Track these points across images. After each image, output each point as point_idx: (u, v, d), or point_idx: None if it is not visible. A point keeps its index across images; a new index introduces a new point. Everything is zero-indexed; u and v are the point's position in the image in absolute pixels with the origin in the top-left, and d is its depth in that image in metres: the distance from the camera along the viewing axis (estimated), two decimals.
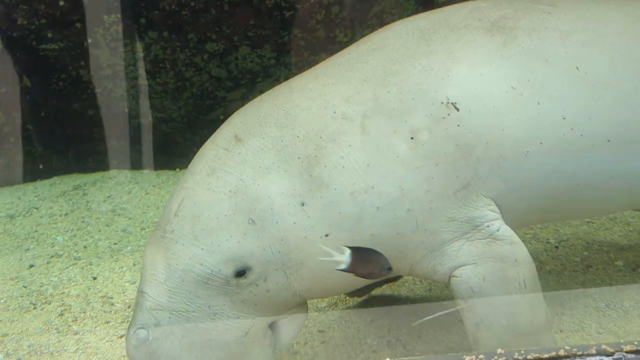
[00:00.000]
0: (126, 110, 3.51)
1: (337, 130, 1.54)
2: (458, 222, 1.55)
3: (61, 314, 2.16)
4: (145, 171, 3.46)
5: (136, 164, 3.51)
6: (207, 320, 1.50)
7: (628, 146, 1.64)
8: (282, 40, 3.41)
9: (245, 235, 1.48)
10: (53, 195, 3.21)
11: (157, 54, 3.39)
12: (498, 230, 1.56)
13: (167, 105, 3.53)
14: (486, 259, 1.55)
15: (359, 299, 2.16)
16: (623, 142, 1.63)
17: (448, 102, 1.55)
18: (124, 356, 1.91)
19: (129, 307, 2.21)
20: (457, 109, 1.55)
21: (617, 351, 1.10)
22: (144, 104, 3.51)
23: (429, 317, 1.75)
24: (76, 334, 2.05)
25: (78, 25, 3.35)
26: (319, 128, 1.54)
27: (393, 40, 1.68)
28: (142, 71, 3.42)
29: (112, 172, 3.41)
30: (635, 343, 1.10)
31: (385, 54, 1.64)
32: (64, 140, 3.62)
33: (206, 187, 1.52)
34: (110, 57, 3.40)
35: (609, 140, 1.62)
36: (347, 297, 2.17)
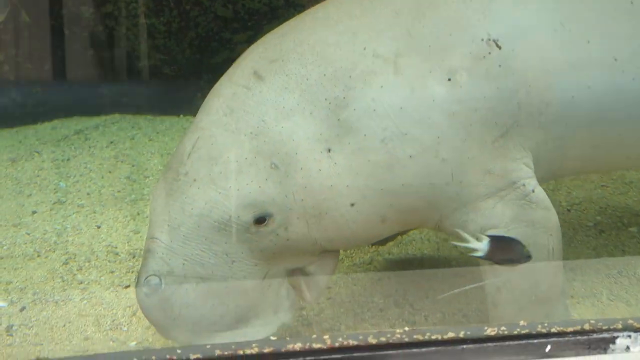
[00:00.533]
0: (128, 50, 3.39)
1: (367, 69, 1.42)
2: (494, 176, 1.46)
3: (65, 263, 2.15)
4: (149, 116, 3.38)
5: (139, 109, 3.43)
6: (223, 267, 1.42)
7: None
8: None
9: (266, 180, 1.39)
10: (55, 139, 3.15)
11: None
12: (533, 191, 1.48)
13: (171, 46, 3.40)
14: (519, 223, 1.48)
15: (374, 248, 2.13)
16: None
17: (489, 40, 1.44)
18: (129, 306, 1.90)
19: (133, 257, 2.19)
20: (499, 47, 1.43)
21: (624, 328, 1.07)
22: (147, 45, 3.38)
23: (456, 291, 1.71)
24: (81, 283, 2.05)
25: None
26: (348, 66, 1.43)
27: None
28: (144, 9, 3.28)
29: (115, 117, 3.33)
30: None
31: None
32: (64, 81, 3.52)
33: (224, 127, 1.41)
34: None
35: None
36: (354, 255, 2.16)
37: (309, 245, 1.48)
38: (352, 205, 1.42)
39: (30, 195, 2.63)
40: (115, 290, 2.00)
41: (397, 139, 1.40)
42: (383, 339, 1.13)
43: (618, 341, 1.07)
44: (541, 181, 1.54)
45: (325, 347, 1.08)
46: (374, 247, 2.12)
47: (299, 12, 3.32)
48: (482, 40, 1.43)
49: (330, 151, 1.40)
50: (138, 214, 2.48)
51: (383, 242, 2.06)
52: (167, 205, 1.42)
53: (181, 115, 3.42)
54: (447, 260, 2.14)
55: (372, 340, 1.12)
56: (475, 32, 1.44)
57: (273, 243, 1.43)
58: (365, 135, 1.40)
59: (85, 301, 1.94)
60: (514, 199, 1.48)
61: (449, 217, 1.50)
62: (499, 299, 1.52)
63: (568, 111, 1.49)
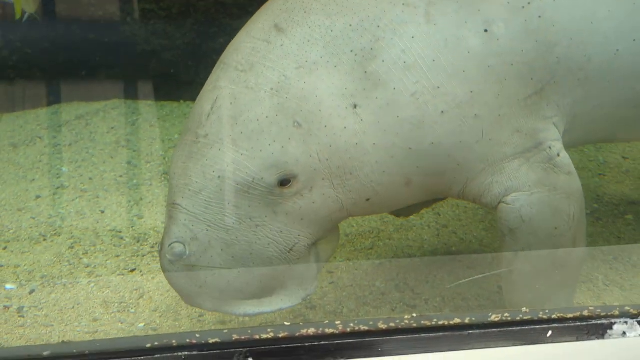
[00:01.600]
0: (128, 35, 3.37)
1: (397, 18, 1.34)
2: (522, 135, 1.40)
3: (71, 247, 2.18)
4: (149, 102, 3.38)
5: (140, 94, 3.42)
6: (248, 233, 1.36)
7: None
8: None
9: (289, 140, 1.32)
10: (55, 124, 3.14)
11: None
12: (559, 155, 1.44)
13: (171, 32, 3.39)
14: (542, 187, 1.42)
15: (375, 234, 2.17)
16: None
17: None
18: (135, 289, 1.94)
19: (138, 241, 2.22)
20: None
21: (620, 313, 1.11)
22: (147, 30, 3.36)
23: (463, 281, 1.72)
24: (87, 266, 2.07)
25: None
26: (376, 15, 1.35)
27: None
28: None
29: (115, 102, 3.32)
30: None
31: None
32: (65, 66, 3.50)
33: (244, 84, 1.34)
34: None
35: None
36: (355, 240, 2.20)
37: (336, 210, 1.41)
38: (378, 164, 1.36)
39: (34, 180, 2.64)
40: (121, 273, 2.04)
41: (429, 93, 1.33)
42: (392, 325, 1.17)
43: (615, 327, 1.10)
44: (569, 146, 1.50)
45: (337, 331, 1.12)
46: (397, 217, 2.04)
47: None
48: None
49: (356, 107, 1.33)
50: (141, 199, 2.50)
51: (407, 213, 2.01)
52: (187, 169, 1.35)
53: (181, 101, 3.43)
54: (447, 246, 2.18)
55: (382, 326, 1.16)
56: None
57: (298, 206, 1.37)
58: (394, 89, 1.33)
59: (92, 284, 1.97)
60: (539, 162, 1.43)
61: (475, 179, 1.44)
62: (515, 265, 1.49)
63: (611, 66, 1.42)
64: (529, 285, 1.53)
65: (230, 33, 3.47)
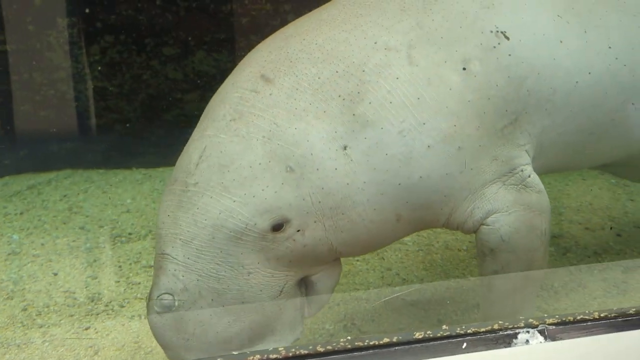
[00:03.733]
0: (80, 111, 3.52)
1: (381, 62, 1.40)
2: (500, 162, 1.48)
3: (24, 309, 2.20)
4: (102, 170, 3.49)
5: (92, 164, 3.54)
6: (240, 280, 1.34)
7: None
8: (239, 45, 3.54)
9: (282, 185, 1.34)
10: (6, 194, 3.17)
11: (112, 57, 3.44)
12: (529, 176, 1.53)
13: (123, 106, 3.57)
14: (517, 207, 1.51)
15: None
16: None
17: (497, 31, 1.47)
18: (90, 346, 1.98)
19: (92, 300, 2.27)
20: (508, 38, 1.47)
21: (541, 323, 1.22)
22: (99, 106, 3.54)
23: (384, 299, 1.81)
24: (41, 327, 2.09)
25: (31, 27, 3.35)
26: (360, 61, 1.40)
27: None
28: (97, 74, 3.45)
29: (67, 172, 3.40)
30: (557, 316, 1.25)
31: None
32: (17, 139, 3.58)
33: (234, 133, 1.36)
34: (64, 59, 3.41)
35: None
36: None
37: (326, 251, 1.43)
38: (369, 202, 1.39)
39: None
40: (75, 332, 2.07)
41: (416, 129, 1.39)
42: (330, 347, 1.30)
43: (519, 336, 1.21)
44: (538, 173, 1.59)
45: (281, 356, 1.19)
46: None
47: None
48: (491, 32, 1.47)
49: (346, 148, 1.36)
50: (94, 260, 2.56)
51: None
52: (176, 219, 1.34)
53: (134, 168, 3.57)
54: (391, 286, 2.30)
55: (320, 349, 1.26)
56: (484, 25, 1.47)
57: (289, 250, 1.38)
58: (382, 128, 1.37)
59: (47, 343, 1.99)
60: (513, 184, 1.51)
61: (459, 208, 1.49)
62: (494, 283, 1.56)
63: (572, 96, 1.54)
64: (506, 300, 1.62)
65: (181, 107, 3.70)
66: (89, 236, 2.79)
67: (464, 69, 1.44)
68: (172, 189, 1.39)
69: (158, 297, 1.34)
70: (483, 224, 1.52)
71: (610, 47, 1.58)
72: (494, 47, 1.47)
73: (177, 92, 3.61)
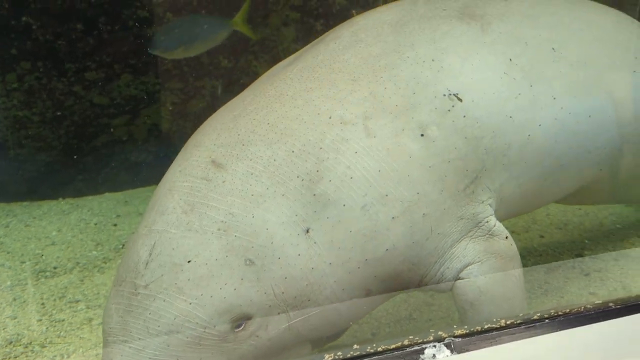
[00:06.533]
0: (1, 140, 3.38)
1: (338, 137, 1.36)
2: (465, 220, 1.48)
3: None
4: (25, 203, 3.34)
5: (14, 196, 3.38)
6: None
7: (602, 121, 1.72)
8: (166, 67, 3.49)
9: (242, 280, 1.24)
10: None
11: (31, 85, 3.32)
12: (494, 225, 1.54)
13: (46, 134, 3.45)
14: (488, 256, 1.50)
15: None
16: (599, 117, 1.71)
17: (450, 94, 1.48)
18: None
19: (10, 343, 2.16)
20: (460, 100, 1.48)
21: (449, 336, 1.24)
22: (20, 135, 3.40)
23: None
24: None
25: None
26: (316, 138, 1.35)
27: (364, 36, 1.55)
28: (16, 102, 3.32)
29: None
30: (465, 327, 1.28)
31: (363, 50, 1.51)
32: None
33: (186, 227, 1.25)
34: None
35: (590, 116, 1.68)
36: None
37: (292, 339, 1.34)
38: (337, 283, 1.33)
39: None
40: None
41: (379, 202, 1.35)
42: None
43: (426, 351, 1.21)
44: (501, 220, 1.60)
45: None
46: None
47: (176, 95, 3.57)
48: (444, 95, 1.47)
49: (308, 231, 1.30)
50: (14, 299, 2.43)
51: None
52: (126, 325, 1.22)
53: (60, 199, 3.44)
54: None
55: None
56: (436, 89, 1.47)
57: (253, 347, 1.28)
58: (344, 205, 1.32)
59: None
60: (480, 235, 1.51)
61: (429, 273, 1.48)
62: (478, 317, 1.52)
63: (526, 149, 1.58)
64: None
65: (108, 132, 3.61)
66: (10, 273, 2.65)
67: (422, 135, 1.42)
68: (120, 290, 1.27)
69: None
70: (459, 278, 1.50)
71: (554, 98, 1.63)
72: (449, 110, 1.47)
73: (103, 118, 3.51)
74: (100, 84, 3.42)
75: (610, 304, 1.33)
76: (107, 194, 3.49)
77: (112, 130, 3.52)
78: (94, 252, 2.78)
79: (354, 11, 3.41)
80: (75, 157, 3.51)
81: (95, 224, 3.08)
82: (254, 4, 3.44)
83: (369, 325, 2.10)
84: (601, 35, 1.86)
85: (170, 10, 3.33)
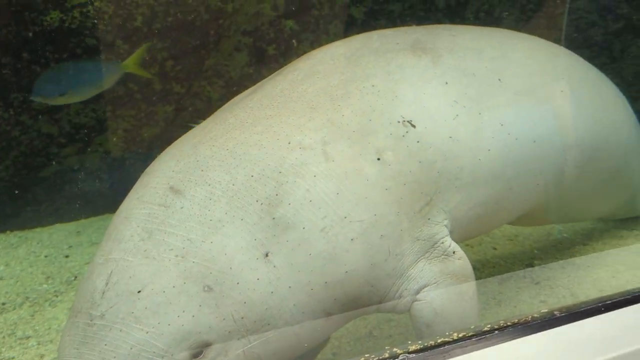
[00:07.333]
0: None
1: (297, 161, 1.39)
2: (422, 241, 1.53)
3: None
4: None
5: None
6: None
7: (546, 145, 1.82)
8: (117, 94, 3.45)
9: (200, 307, 1.23)
10: None
11: None
12: (450, 246, 1.59)
13: None
14: (444, 277, 1.55)
15: None
16: (543, 141, 1.80)
17: (404, 121, 1.55)
18: None
19: None
20: (414, 126, 1.55)
21: (403, 352, 1.23)
22: None
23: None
24: None
25: None
26: (276, 162, 1.37)
27: (322, 68, 1.62)
28: None
29: None
30: (419, 342, 1.28)
31: (321, 80, 1.57)
32: None
33: (143, 255, 1.25)
34: None
35: (534, 141, 1.77)
36: None
37: None
38: (296, 306, 1.34)
39: None
40: None
41: (338, 224, 1.37)
42: None
43: None
44: (458, 241, 1.66)
45: None
46: None
47: (128, 122, 3.53)
48: (398, 122, 1.54)
49: (267, 255, 1.30)
50: None
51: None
52: (81, 357, 1.19)
53: (8, 232, 3.30)
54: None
55: None
56: (391, 116, 1.54)
57: None
58: (304, 228, 1.34)
59: None
60: (436, 256, 1.56)
61: (388, 294, 1.51)
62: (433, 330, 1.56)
63: (477, 172, 1.64)
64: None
65: (59, 162, 3.52)
66: None
67: (379, 159, 1.47)
68: (75, 322, 1.24)
69: None
70: (416, 300, 1.54)
71: (502, 125, 1.72)
72: (403, 135, 1.53)
73: (53, 147, 3.43)
74: (48, 113, 3.35)
75: (556, 312, 1.38)
76: (57, 225, 3.39)
77: (62, 159, 3.44)
78: (45, 286, 2.69)
79: (294, 41, 3.48)
80: (23, 188, 3.40)
81: (46, 256, 2.98)
82: (206, 30, 3.46)
83: (330, 345, 2.11)
84: (539, 64, 1.99)
85: (120, 38, 3.31)
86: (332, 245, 1.37)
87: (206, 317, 1.24)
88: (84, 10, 3.24)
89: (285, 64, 1.83)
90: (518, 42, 2.05)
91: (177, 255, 1.26)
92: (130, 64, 3.02)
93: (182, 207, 1.31)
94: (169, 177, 1.37)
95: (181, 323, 1.22)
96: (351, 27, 3.65)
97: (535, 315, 1.37)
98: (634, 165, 2.47)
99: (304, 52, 1.98)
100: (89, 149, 3.48)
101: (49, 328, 2.35)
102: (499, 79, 1.78)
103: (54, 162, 3.43)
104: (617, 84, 2.47)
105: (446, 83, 1.68)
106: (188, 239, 1.27)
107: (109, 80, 2.98)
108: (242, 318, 1.27)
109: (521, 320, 1.35)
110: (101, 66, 3.02)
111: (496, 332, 1.30)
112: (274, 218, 1.33)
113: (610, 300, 1.41)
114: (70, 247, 3.09)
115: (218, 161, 1.37)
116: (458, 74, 1.72)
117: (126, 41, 3.33)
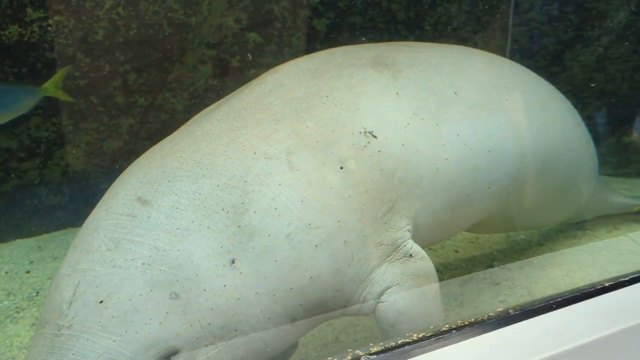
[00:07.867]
0: None
1: (262, 170, 1.43)
2: (384, 246, 1.58)
3: None
4: None
5: None
6: None
7: (500, 155, 1.90)
8: (78, 107, 3.41)
9: (167, 314, 1.25)
10: None
11: None
12: (412, 247, 1.64)
13: None
14: (406, 278, 1.60)
15: None
16: (497, 151, 1.88)
17: (365, 132, 1.61)
18: None
19: None
20: (375, 137, 1.61)
21: (365, 354, 1.24)
22: None
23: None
24: None
25: None
26: (241, 172, 1.42)
27: (287, 82, 1.68)
28: None
29: None
30: (381, 344, 1.29)
31: (286, 93, 1.63)
32: None
33: (110, 264, 1.26)
34: None
35: (489, 151, 1.85)
36: None
37: None
38: (263, 312, 1.36)
39: None
40: None
41: (302, 231, 1.41)
42: None
43: None
44: (422, 247, 1.69)
45: None
46: None
47: (91, 135, 3.48)
48: (360, 132, 1.59)
49: (234, 262, 1.33)
50: None
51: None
52: None
53: None
54: None
55: None
56: (353, 127, 1.60)
57: None
58: (269, 235, 1.37)
59: None
60: (398, 258, 1.61)
61: (352, 298, 1.55)
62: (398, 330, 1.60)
63: (435, 181, 1.71)
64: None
65: (19, 176, 3.44)
66: None
67: (341, 168, 1.52)
68: (42, 333, 1.24)
69: None
70: (380, 302, 1.58)
71: (458, 135, 1.79)
72: (365, 145, 1.59)
73: (12, 162, 3.36)
74: (8, 127, 3.28)
75: (510, 311, 1.44)
76: (18, 241, 3.31)
77: (22, 173, 3.37)
78: (5, 302, 2.62)
79: (249, 54, 3.51)
80: None
81: (6, 273, 2.91)
82: (169, 43, 3.46)
83: (297, 351, 2.14)
84: (493, 78, 2.09)
85: (80, 52, 3.28)
86: (297, 251, 1.41)
87: (173, 324, 1.26)
88: (44, 24, 3.20)
89: (250, 76, 1.87)
90: (473, 58, 2.16)
91: (143, 264, 1.27)
92: (51, 87, 2.96)
93: (149, 217, 1.33)
94: (137, 188, 1.39)
95: (148, 330, 1.24)
96: (314, 39, 3.71)
97: (492, 314, 1.42)
98: (585, 172, 2.58)
99: (267, 64, 2.01)
100: (50, 163, 3.42)
101: (11, 345, 2.29)
102: (455, 93, 1.86)
103: (13, 176, 3.36)
104: (569, 91, 2.59)
105: (406, 96, 1.75)
106: (155, 247, 1.29)
107: (26, 105, 2.92)
108: (209, 324, 1.30)
109: (478, 319, 1.40)
110: (18, 91, 2.96)
111: (454, 331, 1.34)
112: (239, 226, 1.36)
113: (561, 297, 1.48)
114: (32, 262, 3.02)
115: (185, 172, 1.40)
116: (417, 87, 1.79)
117: (87, 55, 3.30)
